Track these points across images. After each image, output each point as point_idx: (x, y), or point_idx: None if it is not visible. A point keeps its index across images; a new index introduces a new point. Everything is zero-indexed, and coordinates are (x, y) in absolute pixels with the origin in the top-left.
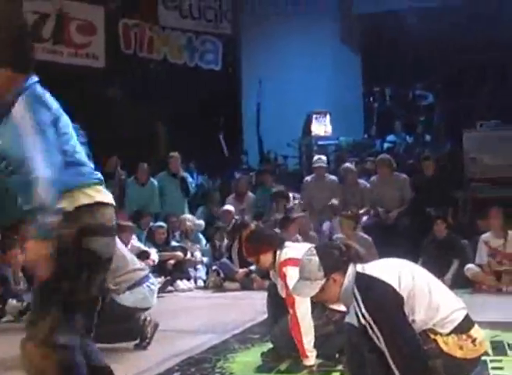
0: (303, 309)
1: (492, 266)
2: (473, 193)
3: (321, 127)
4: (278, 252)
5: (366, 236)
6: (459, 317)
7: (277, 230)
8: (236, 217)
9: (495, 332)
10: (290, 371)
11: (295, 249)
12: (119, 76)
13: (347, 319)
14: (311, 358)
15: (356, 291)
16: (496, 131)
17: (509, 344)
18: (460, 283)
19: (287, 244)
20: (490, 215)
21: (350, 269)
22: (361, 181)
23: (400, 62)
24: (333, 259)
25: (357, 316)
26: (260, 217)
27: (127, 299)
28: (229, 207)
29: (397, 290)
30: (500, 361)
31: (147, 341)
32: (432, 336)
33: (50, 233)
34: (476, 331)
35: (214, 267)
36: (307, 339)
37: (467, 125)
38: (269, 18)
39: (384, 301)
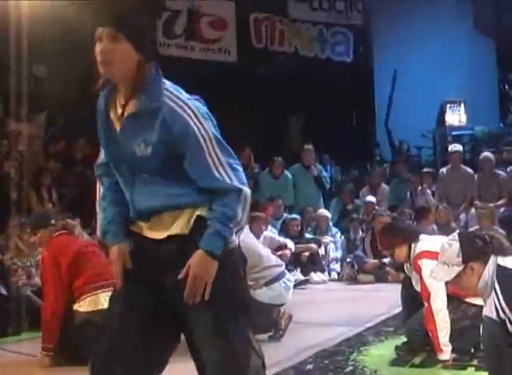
0: (438, 303)
1: None
2: None
3: (456, 117)
4: (413, 245)
5: (501, 230)
6: None
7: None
8: (377, 208)
9: None
10: (424, 365)
11: (430, 242)
12: (251, 70)
13: (486, 312)
14: (446, 353)
15: (496, 284)
16: None
17: None
18: None
19: (422, 236)
20: None
21: (491, 261)
22: (499, 172)
23: None
24: (474, 248)
25: (497, 310)
26: (395, 209)
27: (264, 295)
28: (370, 198)
29: None
30: None
31: (281, 332)
32: None
33: (220, 250)
34: None
35: (348, 259)
36: (443, 333)
37: None
38: (399, 7)
39: None
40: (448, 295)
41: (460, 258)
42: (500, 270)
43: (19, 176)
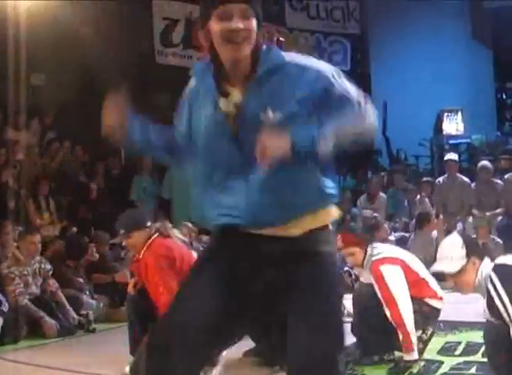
0: (405, 306)
1: None
2: None
3: (453, 126)
4: (369, 251)
5: (498, 240)
6: None
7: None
8: (375, 215)
9: None
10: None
11: (388, 249)
12: None
13: (485, 316)
14: (415, 353)
15: (494, 277)
16: None
17: None
18: None
19: (376, 244)
20: None
21: (487, 261)
22: (496, 181)
23: None
24: (475, 244)
25: (495, 306)
26: (392, 218)
27: None
28: (368, 212)
29: None
30: None
31: None
32: None
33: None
34: None
35: (345, 268)
36: (412, 334)
37: None
38: (397, 16)
39: None
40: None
41: (464, 251)
42: (499, 267)
43: (17, 185)
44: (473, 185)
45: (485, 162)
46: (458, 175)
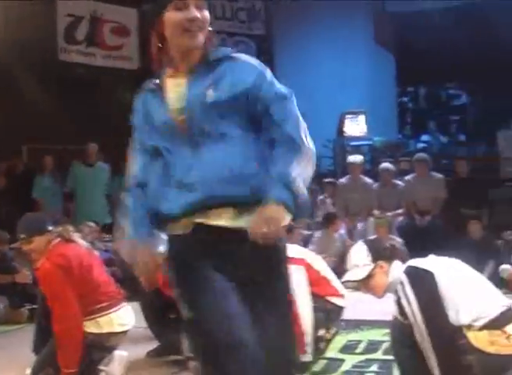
0: (304, 306)
1: None
2: (508, 193)
3: (356, 128)
4: None
5: (398, 239)
6: (493, 313)
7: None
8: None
9: None
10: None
11: (293, 249)
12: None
13: (394, 313)
14: (306, 355)
15: (404, 278)
16: None
17: None
18: (495, 284)
19: None
20: None
21: (397, 263)
22: (397, 182)
23: (434, 61)
24: (381, 249)
25: (402, 306)
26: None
27: None
28: None
29: (438, 281)
30: None
31: None
32: (464, 331)
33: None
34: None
35: None
36: (308, 335)
37: (502, 124)
38: (302, 18)
39: (429, 290)
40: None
41: (370, 258)
42: (409, 268)
43: None
44: (375, 186)
45: (386, 164)
46: (360, 176)
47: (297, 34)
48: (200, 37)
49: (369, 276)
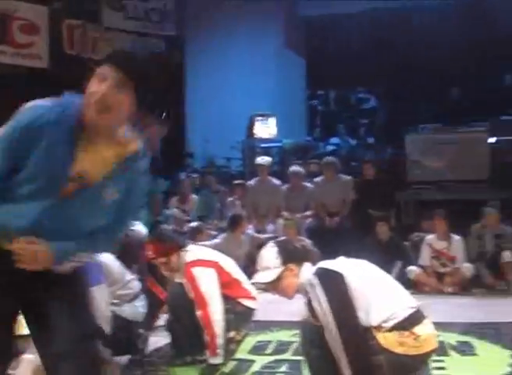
0: (216, 308)
1: (434, 268)
2: (415, 195)
3: (265, 130)
4: (182, 254)
5: (307, 240)
6: (403, 314)
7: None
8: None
9: (437, 332)
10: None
11: (201, 251)
12: (62, 76)
13: (305, 314)
14: (220, 356)
15: (315, 280)
16: (437, 134)
17: (450, 345)
18: (403, 285)
19: (191, 247)
20: (434, 217)
21: (307, 265)
22: (306, 184)
23: (344, 65)
24: (291, 251)
25: (313, 307)
26: (204, 219)
27: (127, 311)
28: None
29: (348, 283)
30: (442, 361)
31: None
32: (374, 332)
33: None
34: (422, 329)
35: None
36: (220, 337)
37: (409, 128)
38: (214, 21)
39: (340, 291)
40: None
41: (279, 260)
42: (319, 270)
43: None
44: (283, 188)
45: (295, 167)
46: (269, 178)
47: (208, 36)
48: (110, 117)
49: (279, 279)
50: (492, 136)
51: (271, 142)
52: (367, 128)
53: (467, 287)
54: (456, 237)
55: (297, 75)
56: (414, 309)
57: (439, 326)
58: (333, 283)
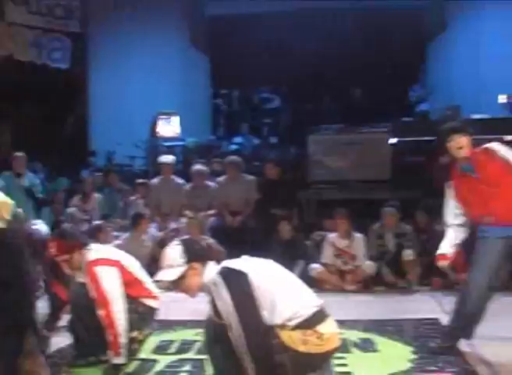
0: (118, 307)
1: (336, 266)
2: (317, 195)
3: (169, 128)
4: (84, 252)
5: (211, 240)
6: (306, 313)
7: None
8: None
9: (339, 331)
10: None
11: (104, 250)
12: None
13: (209, 313)
14: (124, 356)
15: (218, 279)
16: (339, 135)
17: (352, 342)
18: (305, 283)
19: (93, 246)
20: (336, 216)
21: (212, 265)
22: (209, 183)
23: (248, 65)
24: (196, 250)
25: (217, 306)
26: (107, 218)
27: None
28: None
29: (252, 282)
30: (344, 358)
31: None
32: (278, 330)
33: None
34: (325, 327)
35: None
36: (123, 337)
37: (312, 128)
38: (117, 17)
39: (243, 290)
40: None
41: (184, 259)
42: (223, 269)
43: None
44: (186, 187)
45: (198, 165)
46: (172, 176)
47: (112, 34)
48: None
49: (182, 277)
50: (394, 137)
51: (174, 141)
52: (270, 128)
53: (368, 284)
54: (358, 236)
55: (201, 74)
56: (318, 308)
57: (341, 323)
58: (237, 283)
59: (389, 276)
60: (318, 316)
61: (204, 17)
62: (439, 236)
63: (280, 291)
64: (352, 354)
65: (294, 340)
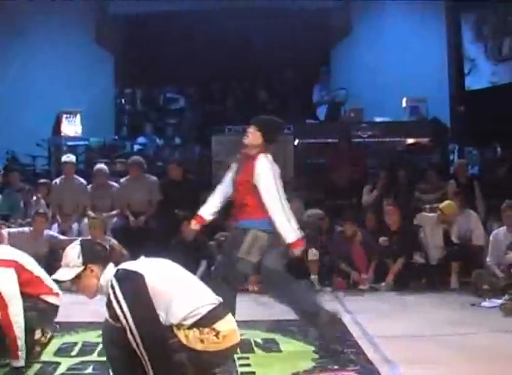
0: (16, 309)
1: None
2: None
3: (72, 127)
4: None
5: (114, 240)
6: (203, 311)
7: None
8: None
9: (242, 330)
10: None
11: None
12: None
13: (106, 315)
14: (22, 360)
15: (114, 281)
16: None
17: (255, 342)
18: (208, 284)
19: None
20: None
21: (110, 267)
22: (112, 183)
23: (153, 64)
24: (94, 252)
25: (113, 308)
26: (8, 218)
27: None
28: None
29: (148, 283)
30: (247, 358)
31: None
32: (175, 330)
33: None
34: (222, 325)
35: None
36: (21, 339)
37: (216, 129)
38: (21, 13)
39: (139, 291)
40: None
41: (81, 260)
42: (118, 271)
43: None
44: (89, 187)
45: (101, 165)
46: (75, 176)
47: (15, 29)
48: None
49: (79, 278)
50: (297, 139)
51: (77, 140)
52: (174, 128)
53: None
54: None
55: (105, 72)
56: (215, 305)
57: (244, 323)
58: (132, 284)
59: None
60: (215, 314)
61: (108, 15)
62: (340, 236)
63: (177, 291)
64: (255, 354)
65: (191, 339)
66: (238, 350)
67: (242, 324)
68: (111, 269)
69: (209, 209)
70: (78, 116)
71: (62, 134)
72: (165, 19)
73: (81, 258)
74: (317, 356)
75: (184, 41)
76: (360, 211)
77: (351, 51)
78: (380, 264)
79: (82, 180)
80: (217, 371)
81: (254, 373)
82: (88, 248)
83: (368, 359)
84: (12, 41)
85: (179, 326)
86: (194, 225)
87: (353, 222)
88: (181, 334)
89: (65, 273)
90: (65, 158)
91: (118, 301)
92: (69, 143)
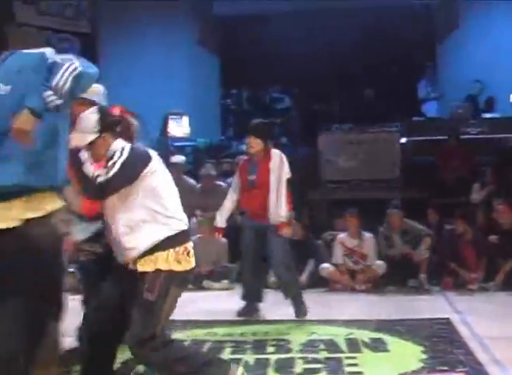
0: None
1: (347, 266)
2: (328, 194)
3: (179, 129)
4: None
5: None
6: (182, 226)
7: None
8: None
9: (350, 330)
10: None
11: None
12: None
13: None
14: None
15: (127, 148)
16: (349, 134)
17: (363, 342)
18: (316, 283)
19: None
20: (346, 216)
21: (120, 140)
22: (219, 183)
23: (258, 64)
24: (110, 122)
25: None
26: None
27: None
28: None
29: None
30: (355, 358)
31: None
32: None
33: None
34: (189, 246)
35: None
36: None
37: (323, 128)
38: (126, 18)
39: (136, 166)
40: None
41: (97, 128)
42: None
43: None
44: (197, 187)
45: (208, 169)
46: (183, 177)
47: (123, 34)
48: None
49: (91, 144)
50: (404, 136)
51: (185, 141)
52: (280, 128)
53: (378, 284)
54: (368, 235)
55: (211, 73)
56: (187, 227)
57: (352, 323)
58: (135, 154)
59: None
60: (188, 233)
61: (212, 17)
62: (450, 234)
63: (169, 194)
64: (363, 354)
65: (170, 261)
66: (346, 349)
67: (350, 324)
68: (120, 142)
69: (223, 217)
70: (185, 118)
71: (170, 135)
72: (269, 19)
73: (97, 126)
74: (425, 356)
75: (289, 40)
76: (469, 209)
77: (458, 48)
78: (490, 263)
79: (191, 180)
80: None
81: (361, 373)
82: (104, 118)
83: (477, 361)
84: (121, 45)
85: (155, 249)
86: (218, 236)
87: (464, 220)
88: (161, 259)
89: (79, 139)
90: (174, 159)
91: (115, 160)
92: (177, 144)
